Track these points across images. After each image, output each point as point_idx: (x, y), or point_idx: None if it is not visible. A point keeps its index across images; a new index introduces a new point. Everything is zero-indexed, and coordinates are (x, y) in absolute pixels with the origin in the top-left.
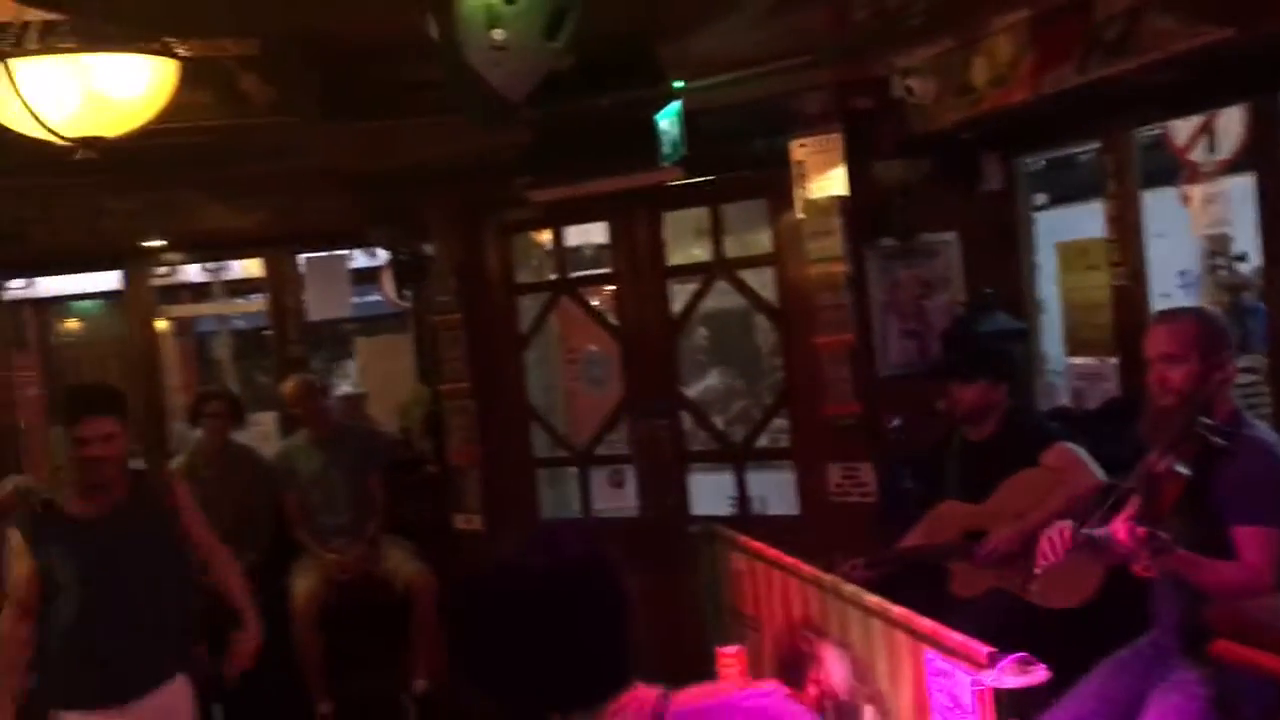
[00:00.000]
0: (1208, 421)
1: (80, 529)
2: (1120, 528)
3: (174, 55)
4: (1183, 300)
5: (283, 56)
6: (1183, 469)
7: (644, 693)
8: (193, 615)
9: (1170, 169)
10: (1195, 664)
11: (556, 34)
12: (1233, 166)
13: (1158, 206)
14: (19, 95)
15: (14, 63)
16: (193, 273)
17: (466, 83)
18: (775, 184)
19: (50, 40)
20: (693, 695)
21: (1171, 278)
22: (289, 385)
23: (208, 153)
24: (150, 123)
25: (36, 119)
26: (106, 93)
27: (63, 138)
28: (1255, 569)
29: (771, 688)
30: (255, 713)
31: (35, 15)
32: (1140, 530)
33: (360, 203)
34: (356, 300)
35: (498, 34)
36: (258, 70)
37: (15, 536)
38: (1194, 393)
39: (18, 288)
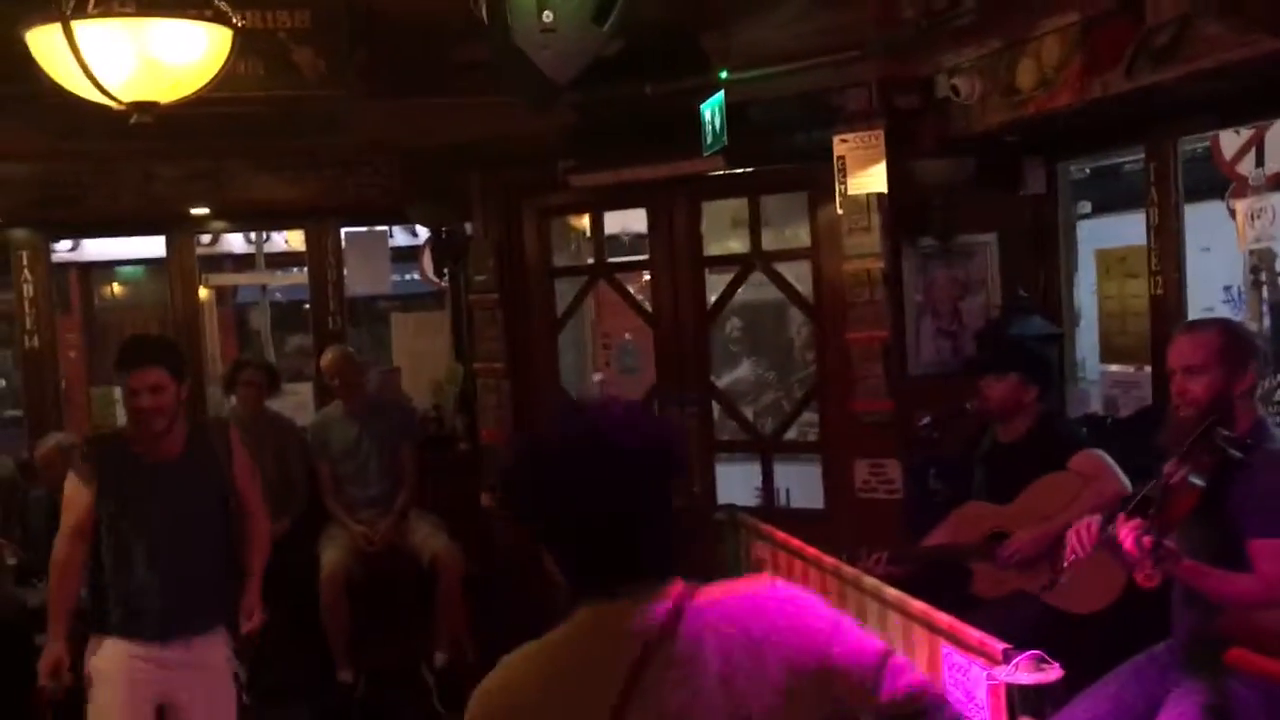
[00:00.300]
0: (1226, 433)
1: (139, 470)
2: (1127, 536)
3: (230, 24)
4: (1226, 313)
5: (334, 31)
6: (1197, 480)
7: (677, 587)
8: (237, 570)
9: (1220, 183)
10: (1198, 674)
11: (604, 19)
12: None
13: (1206, 220)
14: (78, 57)
15: (75, 25)
16: (236, 244)
17: (514, 64)
18: (815, 178)
19: (109, 5)
20: (719, 589)
21: (1217, 292)
22: (327, 356)
23: (257, 123)
24: (203, 90)
25: (94, 82)
26: (162, 59)
27: (118, 101)
28: (1270, 581)
29: (795, 588)
30: (278, 677)
31: None
32: (1146, 539)
33: (403, 180)
34: (395, 278)
35: (546, 16)
36: (309, 44)
37: (78, 462)
38: (1214, 404)
39: (64, 251)
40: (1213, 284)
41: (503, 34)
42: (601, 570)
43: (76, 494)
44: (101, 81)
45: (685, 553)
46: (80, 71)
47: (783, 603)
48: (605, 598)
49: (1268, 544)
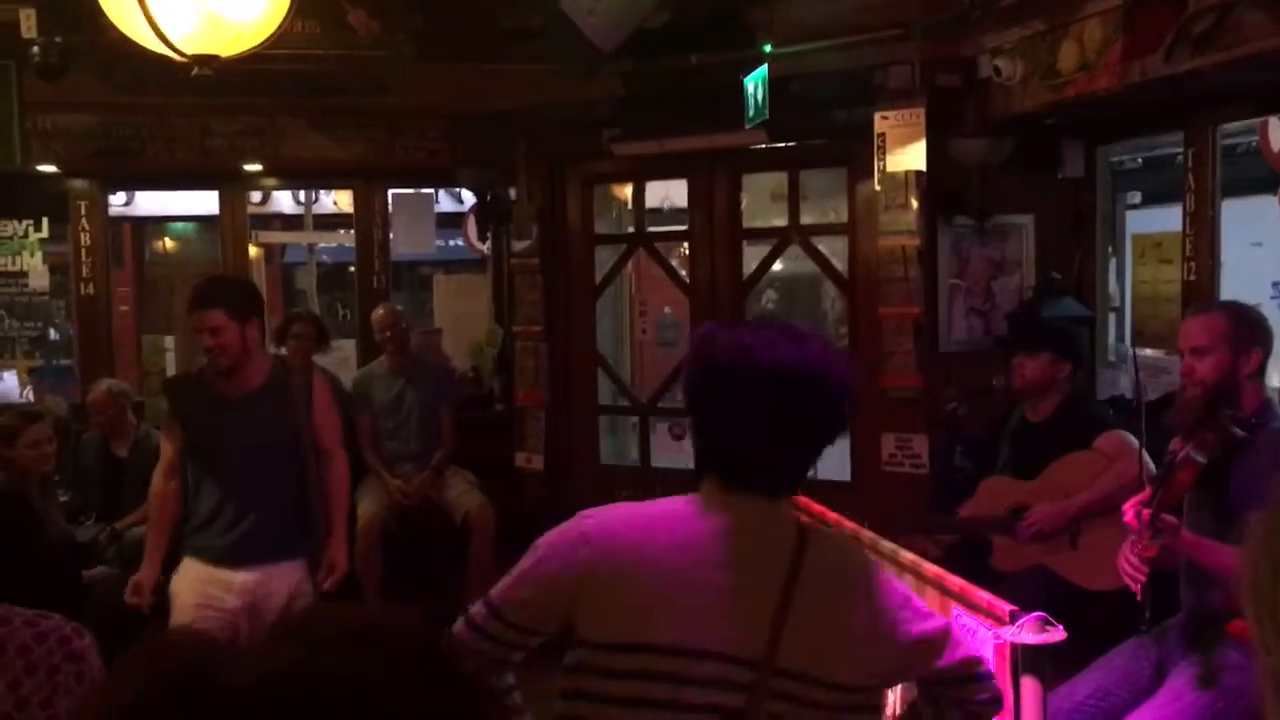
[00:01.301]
0: (1229, 412)
1: (213, 403)
2: (1128, 509)
3: None
4: (1272, 310)
5: None
6: (1199, 456)
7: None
8: (315, 505)
9: (1275, 177)
10: (1198, 647)
11: None
12: None
13: (1258, 214)
14: (145, 9)
15: None
16: (285, 204)
17: (561, 31)
18: (855, 154)
19: None
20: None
21: (1266, 288)
22: (378, 312)
23: (310, 82)
24: (262, 46)
25: (159, 34)
26: (224, 14)
27: (181, 54)
28: None
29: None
30: None
31: None
32: (1145, 512)
33: (451, 143)
34: (439, 243)
35: None
36: (365, 6)
37: (164, 402)
38: (1219, 384)
39: (118, 206)
40: (1262, 279)
41: (550, 1)
42: (757, 464)
43: (168, 431)
44: (166, 34)
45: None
46: (145, 24)
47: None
48: (737, 487)
49: None
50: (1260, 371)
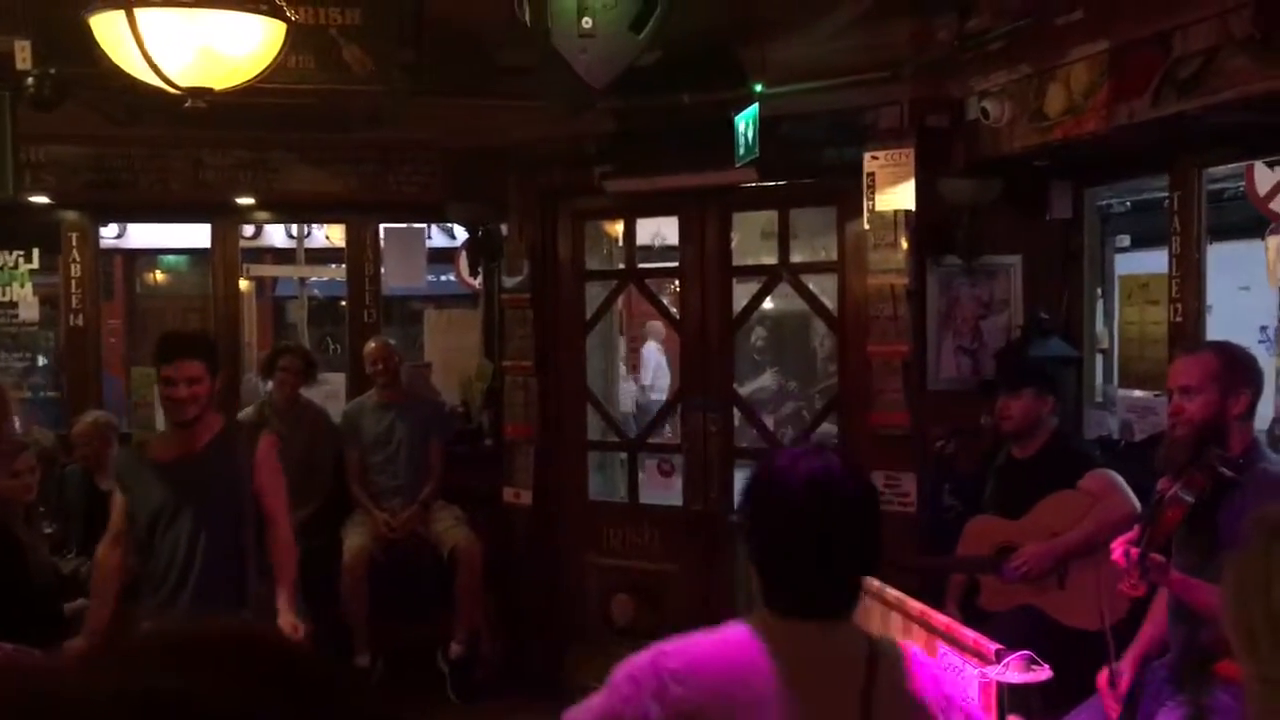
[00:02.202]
0: (1218, 452)
1: (157, 468)
2: (1116, 548)
3: (284, 18)
4: (1260, 354)
5: (384, 30)
6: (1186, 496)
7: (863, 630)
8: (260, 569)
9: (1264, 222)
10: (1186, 687)
11: (641, 27)
12: None
13: (1247, 259)
14: (139, 42)
15: (138, 11)
16: (277, 238)
17: (553, 67)
18: (845, 193)
19: None
20: (893, 649)
21: (1253, 331)
22: (370, 345)
23: (304, 116)
24: (256, 80)
25: (153, 67)
26: (219, 48)
27: (175, 87)
28: None
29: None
30: None
31: None
32: (1133, 551)
33: (443, 178)
34: (430, 279)
35: (586, 22)
36: (359, 41)
37: (116, 475)
38: (1208, 424)
39: (109, 238)
40: (1250, 323)
41: (543, 38)
42: (810, 589)
43: (116, 500)
44: (160, 67)
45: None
46: (140, 56)
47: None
48: (794, 614)
49: None
50: (1249, 412)
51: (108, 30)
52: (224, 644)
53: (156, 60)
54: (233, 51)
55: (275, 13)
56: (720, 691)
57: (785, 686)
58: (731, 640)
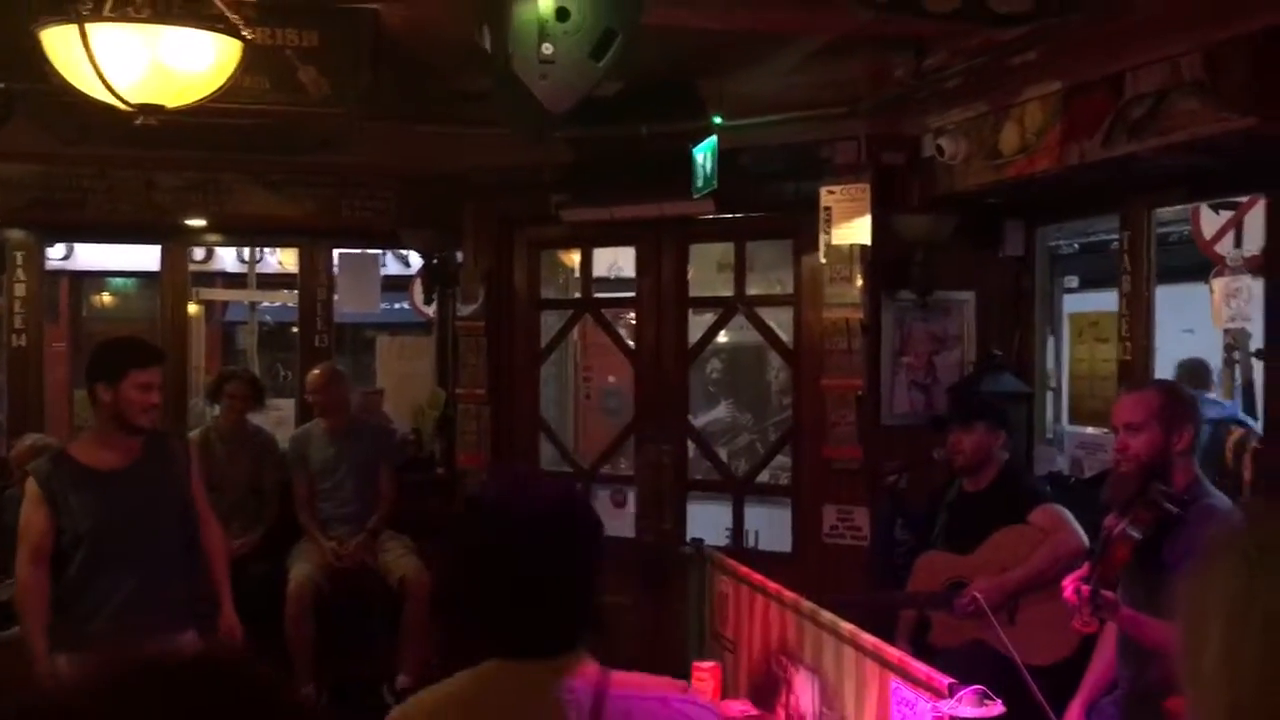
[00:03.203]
0: (1162, 488)
1: (98, 478)
2: (1068, 584)
3: (240, 37)
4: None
5: (341, 53)
6: (1134, 532)
7: (591, 666)
8: (200, 576)
9: (1207, 266)
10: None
11: (601, 55)
12: (1261, 264)
13: (1190, 302)
14: (91, 57)
15: (90, 26)
16: (229, 263)
17: (512, 92)
18: (801, 227)
19: (123, 10)
20: (634, 680)
21: None
22: (314, 372)
23: (259, 138)
24: (209, 98)
25: (104, 82)
26: (171, 65)
27: (126, 103)
28: None
29: (706, 703)
30: None
31: None
32: (1084, 588)
33: (399, 204)
34: (384, 306)
35: (546, 49)
36: (315, 63)
37: (31, 485)
38: (1152, 460)
39: (56, 260)
40: None
41: (503, 62)
42: (508, 629)
43: (33, 516)
44: (111, 82)
45: (597, 626)
46: (91, 71)
47: (675, 716)
48: (513, 656)
49: None
50: (1191, 448)
51: (59, 44)
52: (211, 673)
53: (108, 76)
54: (186, 69)
55: (231, 31)
56: None
57: None
58: (450, 691)
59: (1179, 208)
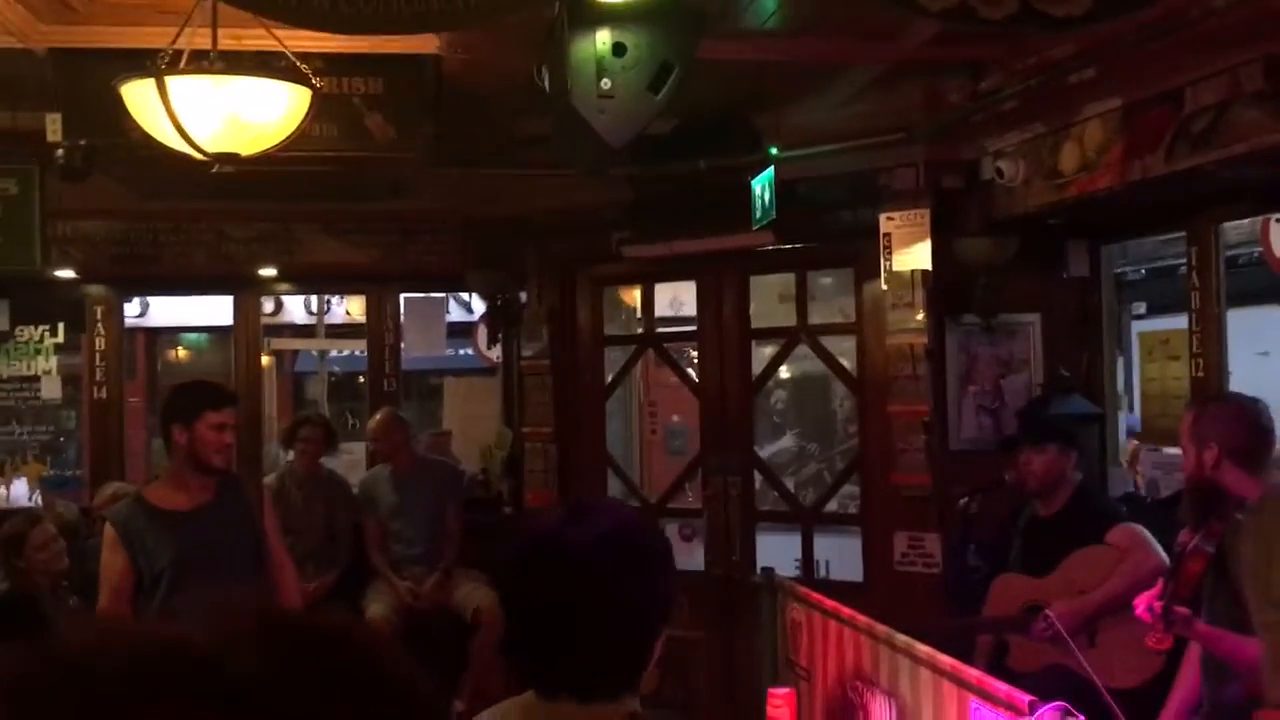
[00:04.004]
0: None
1: (173, 519)
2: (1140, 603)
3: (310, 85)
4: None
5: (405, 99)
6: (1207, 546)
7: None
8: None
9: (1277, 288)
10: None
11: (660, 88)
12: None
13: (1261, 324)
14: (169, 109)
15: (168, 79)
16: (297, 314)
17: (572, 128)
18: (862, 254)
19: (199, 63)
20: None
21: (1275, 396)
22: (376, 418)
23: (327, 187)
24: (281, 145)
25: (182, 132)
26: (245, 114)
27: (203, 152)
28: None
29: None
30: None
31: (189, 43)
32: (1156, 605)
33: (463, 248)
34: (449, 352)
35: (605, 84)
36: (381, 110)
37: (109, 530)
38: (1194, 476)
39: (132, 317)
40: (1272, 387)
41: (562, 100)
42: (536, 663)
43: (112, 558)
44: (189, 133)
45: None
46: (170, 123)
47: None
48: (547, 693)
49: None
50: (1235, 462)
51: (138, 98)
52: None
53: (186, 126)
54: (259, 118)
55: (301, 79)
56: None
57: None
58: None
59: (1248, 229)
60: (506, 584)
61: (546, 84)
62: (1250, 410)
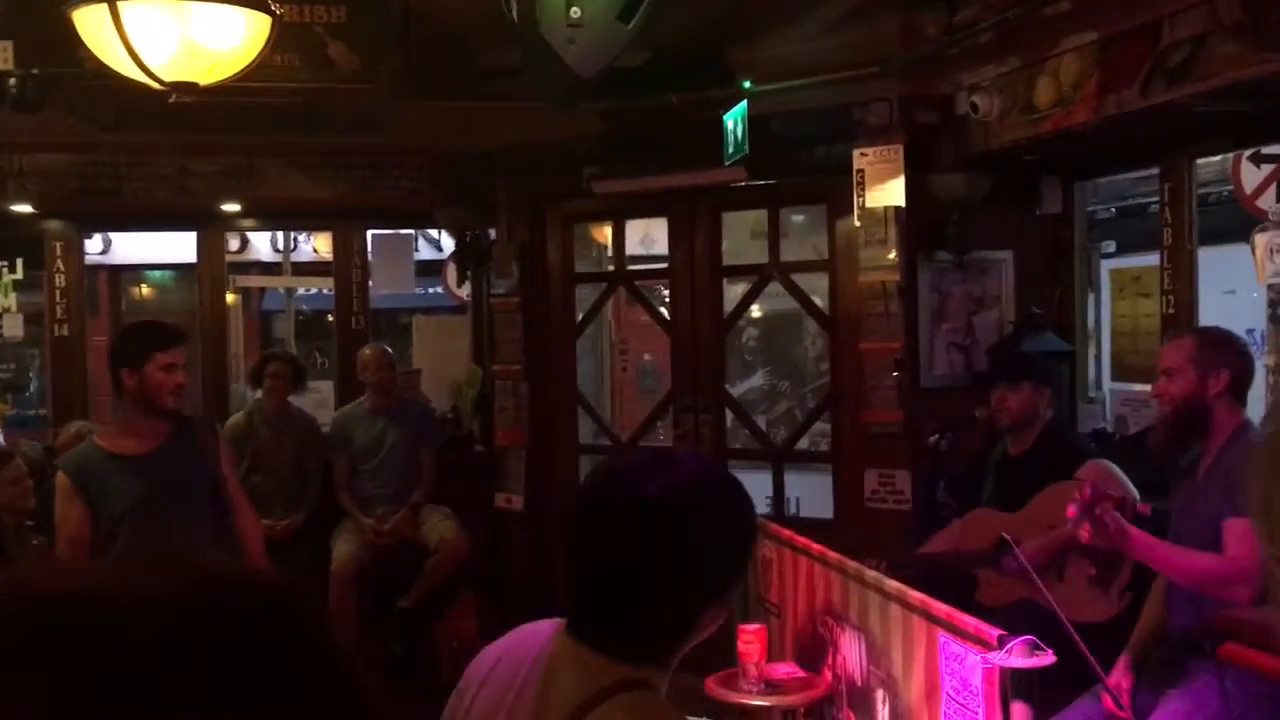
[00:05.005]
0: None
1: (128, 464)
2: (1072, 507)
3: (269, 12)
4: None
5: (370, 28)
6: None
7: (621, 673)
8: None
9: (1247, 226)
10: (1189, 673)
11: (630, 17)
12: None
13: (1230, 262)
14: (123, 36)
15: (121, 4)
16: (264, 252)
17: (541, 59)
18: (835, 191)
19: None
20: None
21: (1240, 335)
22: (366, 352)
23: (291, 120)
24: (241, 75)
25: (137, 60)
26: (203, 41)
27: (159, 81)
28: (1234, 559)
29: None
30: None
31: None
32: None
33: (431, 183)
34: (418, 290)
35: (574, 12)
36: (345, 39)
37: (62, 479)
38: (1188, 402)
39: (94, 254)
40: (1236, 326)
41: (531, 30)
42: (575, 602)
43: (67, 508)
44: (144, 60)
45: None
46: (124, 50)
47: None
48: (572, 628)
49: (1238, 523)
50: (1231, 391)
51: (91, 24)
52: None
53: (140, 54)
54: (217, 45)
55: (260, 5)
56: (480, 665)
57: (513, 689)
58: (532, 629)
59: (1219, 167)
60: (572, 509)
61: (514, 14)
62: (1244, 343)
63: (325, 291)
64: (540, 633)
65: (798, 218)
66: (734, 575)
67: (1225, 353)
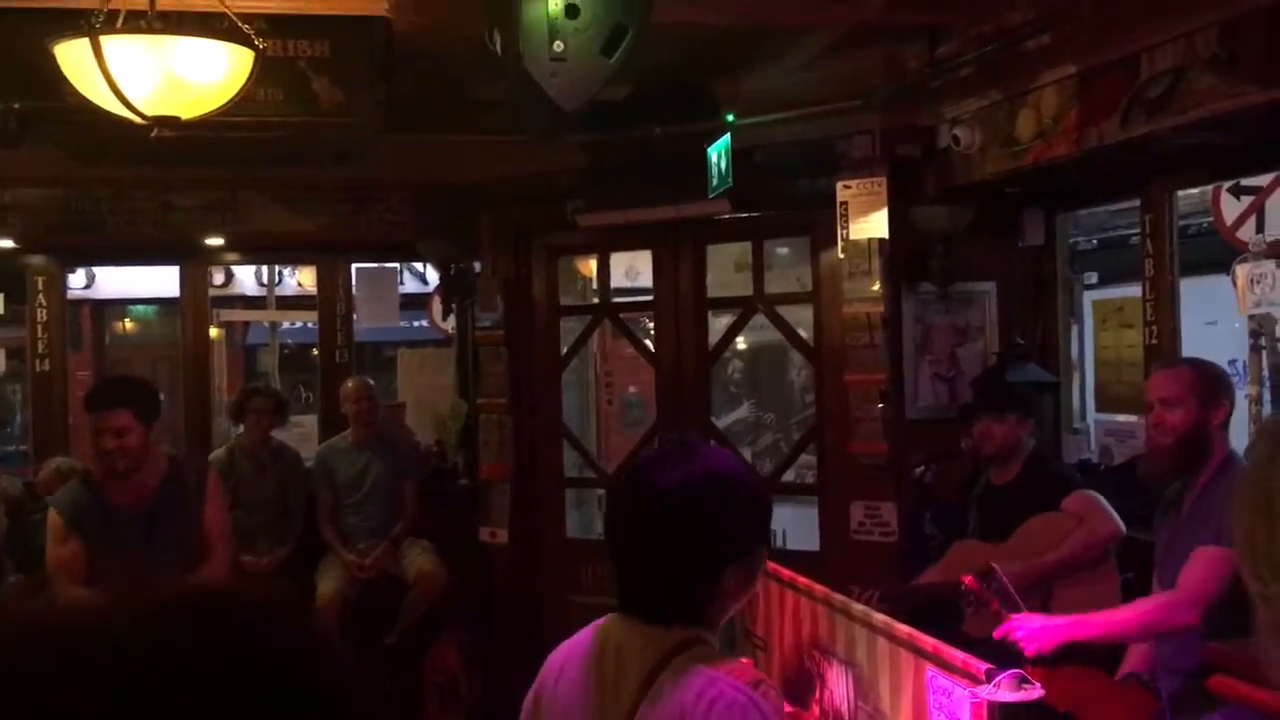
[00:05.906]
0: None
1: (118, 518)
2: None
3: (252, 46)
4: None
5: (353, 63)
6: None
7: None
8: None
9: (1227, 258)
10: (1180, 708)
11: (613, 51)
12: None
13: (1211, 294)
14: (105, 70)
15: (103, 39)
16: (248, 286)
17: (524, 92)
18: (818, 223)
19: (136, 22)
20: (707, 673)
21: (1222, 365)
22: (349, 385)
23: (274, 154)
24: (223, 109)
25: (119, 95)
26: (185, 75)
27: (141, 115)
28: (1186, 588)
29: (761, 695)
30: None
31: (125, 2)
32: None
33: (416, 216)
34: (403, 324)
35: (557, 46)
36: (328, 74)
37: (55, 519)
38: (1190, 433)
39: (78, 289)
40: (1218, 357)
41: (514, 63)
42: (620, 584)
43: (62, 542)
44: (126, 94)
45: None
46: (106, 85)
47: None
48: (621, 607)
49: (1206, 551)
50: (1228, 423)
51: (73, 58)
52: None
53: (123, 88)
54: (199, 79)
55: (243, 40)
56: (548, 671)
57: (580, 681)
58: (580, 635)
59: (1199, 199)
60: (607, 514)
61: (498, 47)
62: (1229, 375)
63: (310, 325)
64: (585, 636)
65: (782, 250)
66: (749, 539)
67: (1223, 385)
